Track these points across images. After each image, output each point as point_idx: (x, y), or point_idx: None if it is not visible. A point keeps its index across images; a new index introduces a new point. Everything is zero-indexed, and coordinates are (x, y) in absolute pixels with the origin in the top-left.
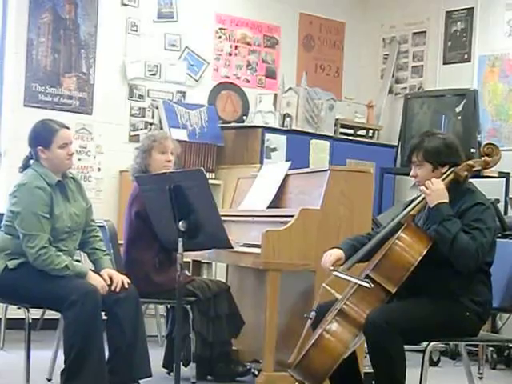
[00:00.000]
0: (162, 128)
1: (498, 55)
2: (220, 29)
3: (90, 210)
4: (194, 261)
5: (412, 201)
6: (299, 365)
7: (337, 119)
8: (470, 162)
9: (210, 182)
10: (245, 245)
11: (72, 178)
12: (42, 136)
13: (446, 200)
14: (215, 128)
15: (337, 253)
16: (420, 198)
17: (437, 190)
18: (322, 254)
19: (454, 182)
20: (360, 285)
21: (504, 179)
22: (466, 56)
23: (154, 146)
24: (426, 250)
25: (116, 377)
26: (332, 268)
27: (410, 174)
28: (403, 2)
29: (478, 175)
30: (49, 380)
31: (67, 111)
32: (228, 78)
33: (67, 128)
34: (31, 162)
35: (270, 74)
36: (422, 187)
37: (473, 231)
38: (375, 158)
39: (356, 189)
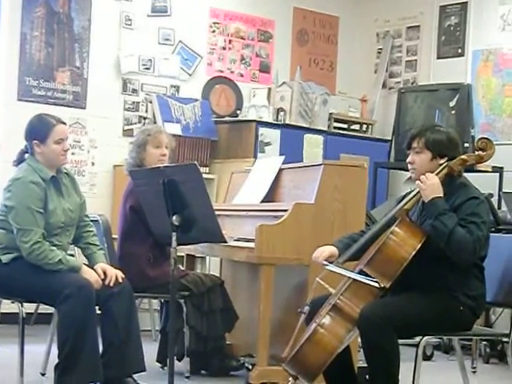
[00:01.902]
0: (155, 122)
1: (492, 49)
2: (214, 23)
3: (83, 205)
4: (187, 255)
5: (405, 195)
6: (293, 359)
7: (331, 113)
8: (463, 157)
9: (204, 176)
10: (239, 239)
11: (66, 173)
12: (39, 130)
13: (441, 194)
14: (209, 122)
15: (330, 249)
16: (414, 192)
17: (432, 185)
18: (316, 249)
19: (447, 176)
20: (354, 279)
21: (498, 174)
22: (459, 50)
23: (149, 140)
24: (419, 245)
25: (110, 371)
26: (325, 263)
27: (408, 160)
28: None
29: (471, 169)
30: (43, 374)
31: (61, 105)
32: (222, 72)
33: (64, 123)
34: (26, 156)
35: (264, 69)
36: (418, 182)
37: (468, 225)
38: (369, 153)
39: (350, 183)
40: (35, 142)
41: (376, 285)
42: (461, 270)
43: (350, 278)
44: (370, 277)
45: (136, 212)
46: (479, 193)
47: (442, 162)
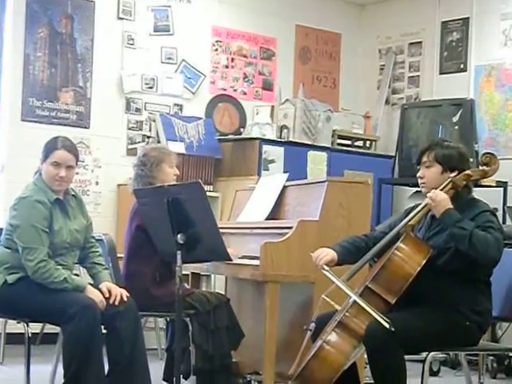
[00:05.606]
0: (159, 141)
1: (494, 65)
2: (216, 41)
3: (90, 226)
4: (192, 273)
5: (413, 207)
6: (299, 376)
7: (334, 130)
8: (468, 172)
9: (208, 194)
10: (243, 257)
11: (74, 195)
12: (44, 150)
13: (452, 206)
14: (213, 140)
15: (331, 253)
16: (419, 208)
17: (442, 200)
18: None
19: (455, 192)
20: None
21: (502, 188)
22: (462, 66)
23: (166, 158)
24: (425, 261)
25: None
26: (326, 268)
27: (418, 174)
28: (399, 13)
29: (476, 184)
30: None
31: (64, 125)
32: (225, 90)
33: (69, 152)
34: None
35: (267, 86)
36: (427, 200)
37: (486, 229)
38: (373, 169)
39: (354, 200)
40: (40, 159)
41: (354, 297)
42: (467, 285)
43: (336, 285)
44: (376, 293)
45: (142, 231)
46: (489, 208)
47: (452, 175)
